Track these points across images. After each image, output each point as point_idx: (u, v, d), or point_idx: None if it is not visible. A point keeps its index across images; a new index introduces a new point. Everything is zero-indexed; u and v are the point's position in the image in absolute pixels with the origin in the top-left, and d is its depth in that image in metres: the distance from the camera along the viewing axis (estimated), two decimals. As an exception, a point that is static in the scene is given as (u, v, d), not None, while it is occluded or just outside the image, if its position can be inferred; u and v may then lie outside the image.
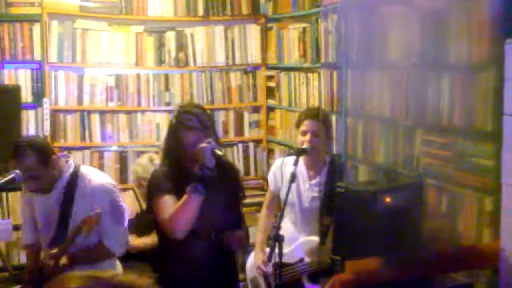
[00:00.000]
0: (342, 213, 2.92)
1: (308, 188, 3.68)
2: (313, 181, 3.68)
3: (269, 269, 3.66)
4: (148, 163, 4.38)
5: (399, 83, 3.65)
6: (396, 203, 2.83)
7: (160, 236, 3.13)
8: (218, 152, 2.91)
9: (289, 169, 3.55)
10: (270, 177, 3.92)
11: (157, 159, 4.39)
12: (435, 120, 3.35)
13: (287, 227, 3.78)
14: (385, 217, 2.82)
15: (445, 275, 3.06)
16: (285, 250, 3.67)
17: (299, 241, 3.66)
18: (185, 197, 2.85)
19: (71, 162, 3.38)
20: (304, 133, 3.62)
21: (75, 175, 3.30)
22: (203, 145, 2.87)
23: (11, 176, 2.76)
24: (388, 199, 2.80)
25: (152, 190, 3.04)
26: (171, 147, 3.05)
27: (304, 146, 3.52)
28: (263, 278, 3.74)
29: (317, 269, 3.57)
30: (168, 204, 2.91)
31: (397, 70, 3.66)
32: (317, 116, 3.65)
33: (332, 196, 3.55)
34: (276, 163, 3.95)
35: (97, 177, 3.37)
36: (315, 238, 3.60)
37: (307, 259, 3.57)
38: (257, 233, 3.91)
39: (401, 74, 3.63)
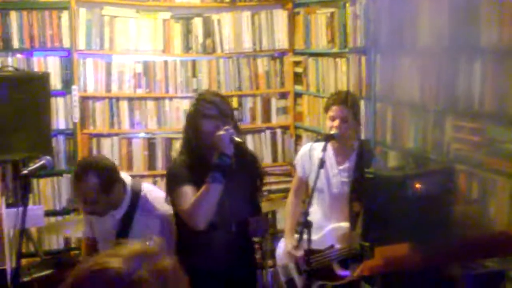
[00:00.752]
0: (371, 199, 2.91)
1: (337, 174, 3.65)
2: (342, 167, 3.65)
3: (300, 254, 3.64)
4: None
5: (429, 67, 3.60)
6: (426, 189, 2.80)
7: (179, 228, 3.08)
8: (237, 139, 2.86)
9: (317, 154, 3.52)
10: (297, 162, 3.89)
11: None
12: (466, 105, 3.29)
13: (316, 214, 3.77)
14: (414, 203, 2.79)
15: (476, 262, 3.03)
16: (315, 236, 3.65)
17: (329, 228, 3.64)
18: (204, 186, 2.81)
19: (129, 189, 3.20)
20: (332, 119, 3.59)
21: (134, 205, 3.16)
22: (221, 132, 2.83)
23: (41, 162, 2.78)
24: (417, 185, 2.77)
25: (171, 181, 2.99)
26: (189, 136, 3.02)
27: (332, 131, 3.49)
28: (294, 264, 3.74)
29: (348, 256, 3.55)
30: (188, 195, 2.86)
31: (427, 55, 3.61)
32: (345, 101, 3.61)
33: (361, 181, 3.54)
34: (304, 148, 3.92)
35: (154, 206, 3.20)
36: (345, 224, 3.57)
37: (337, 246, 3.55)
38: (286, 220, 3.90)
39: (431, 59, 3.57)
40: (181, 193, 2.89)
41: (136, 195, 3.18)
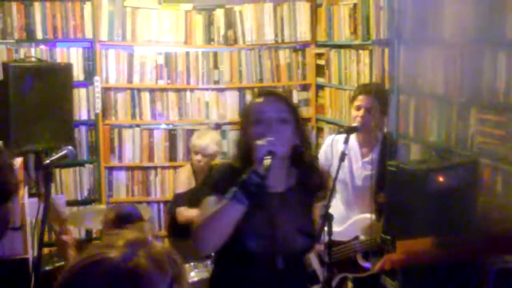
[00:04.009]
0: (394, 192, 2.88)
1: (360, 166, 3.62)
2: (366, 159, 3.62)
3: (322, 246, 3.63)
4: (194, 136, 4.50)
5: (453, 59, 3.55)
6: (449, 183, 2.77)
7: (216, 253, 2.57)
8: (267, 161, 2.17)
9: (340, 146, 3.49)
10: (320, 155, 3.86)
11: (209, 133, 4.50)
12: (490, 98, 3.25)
13: (338, 207, 3.75)
14: (437, 197, 2.76)
15: (500, 257, 2.99)
16: (338, 229, 3.63)
17: (353, 219, 3.60)
18: (221, 202, 2.24)
19: None
20: (358, 108, 3.56)
21: None
22: (259, 142, 2.21)
23: (64, 152, 2.79)
24: (441, 179, 2.74)
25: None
26: (241, 137, 2.44)
27: (356, 123, 3.46)
28: (316, 255, 3.72)
29: (372, 247, 3.52)
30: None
31: (451, 46, 3.56)
32: (374, 91, 3.59)
33: (385, 173, 3.50)
34: (327, 141, 3.90)
35: None
36: (369, 216, 3.54)
37: (362, 237, 3.52)
38: None
39: (455, 50, 3.52)
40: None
41: None
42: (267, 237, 2.30)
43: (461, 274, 2.76)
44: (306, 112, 5.60)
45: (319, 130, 5.56)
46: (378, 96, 3.61)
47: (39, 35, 5.11)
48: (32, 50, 5.07)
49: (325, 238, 3.08)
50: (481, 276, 2.90)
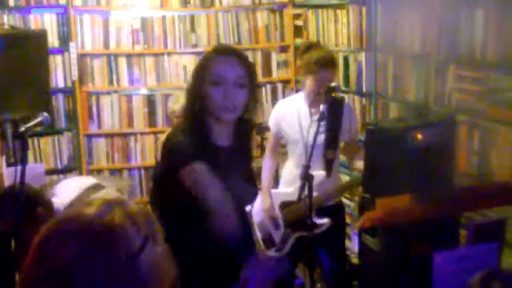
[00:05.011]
0: (372, 150, 2.89)
1: (312, 125, 3.60)
2: (316, 117, 3.61)
3: (276, 211, 3.70)
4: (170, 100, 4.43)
5: (430, 17, 3.54)
6: (428, 140, 2.79)
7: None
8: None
9: (290, 108, 3.71)
10: (271, 120, 3.85)
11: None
12: (468, 55, 3.26)
13: (288, 167, 3.80)
14: (416, 154, 2.79)
15: (477, 212, 3.03)
16: (289, 189, 3.67)
17: None
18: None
19: None
20: (319, 81, 3.53)
21: None
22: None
23: (39, 119, 2.75)
24: (419, 136, 2.76)
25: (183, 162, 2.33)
26: (193, 94, 2.44)
27: (333, 84, 3.44)
28: (270, 219, 3.76)
29: (323, 203, 3.59)
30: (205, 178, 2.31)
31: (428, 4, 3.54)
32: (333, 64, 3.58)
33: (335, 129, 3.55)
34: (277, 105, 3.91)
35: None
36: (321, 172, 3.57)
37: (314, 194, 3.54)
38: (262, 177, 3.89)
39: (432, 8, 3.51)
40: (199, 177, 2.33)
41: None
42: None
43: (440, 230, 2.80)
44: (286, 73, 5.58)
45: (299, 91, 5.53)
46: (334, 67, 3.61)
47: (12, 2, 4.99)
48: (5, 17, 4.96)
49: (303, 198, 3.10)
50: (458, 231, 2.95)
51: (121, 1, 5.22)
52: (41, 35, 4.75)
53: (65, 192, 2.88)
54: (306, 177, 3.03)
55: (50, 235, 1.17)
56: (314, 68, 3.53)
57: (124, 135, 5.35)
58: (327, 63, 3.54)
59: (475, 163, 3.15)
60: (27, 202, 2.65)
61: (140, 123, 5.35)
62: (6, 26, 4.80)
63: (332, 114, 3.54)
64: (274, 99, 5.53)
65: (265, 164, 3.92)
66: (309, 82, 3.61)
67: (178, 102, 4.33)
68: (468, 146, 3.15)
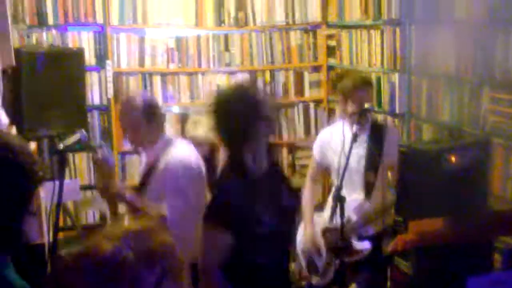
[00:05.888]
0: (406, 172, 2.88)
1: (353, 149, 3.59)
2: (358, 140, 3.60)
3: (319, 238, 3.66)
4: (191, 127, 4.34)
5: (465, 39, 3.53)
6: (462, 163, 2.76)
7: None
8: None
9: (336, 135, 3.61)
10: (315, 147, 3.85)
11: (203, 122, 4.33)
12: (502, 77, 3.23)
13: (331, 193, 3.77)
14: (450, 177, 2.76)
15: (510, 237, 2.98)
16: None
17: (346, 201, 3.58)
18: None
19: (165, 136, 3.27)
20: (360, 103, 3.52)
21: (164, 149, 3.17)
22: None
23: (77, 136, 2.82)
24: (453, 159, 2.73)
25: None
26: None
27: (366, 105, 3.44)
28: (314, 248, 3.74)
29: (364, 226, 3.54)
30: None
31: (463, 26, 3.54)
32: (370, 84, 3.58)
33: (376, 153, 3.50)
34: (321, 133, 3.90)
35: (177, 153, 3.16)
36: (360, 196, 3.55)
37: (354, 217, 3.52)
38: (303, 207, 3.86)
39: (467, 30, 3.50)
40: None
41: (169, 144, 3.21)
42: None
43: (473, 254, 2.77)
44: (318, 93, 5.59)
45: (331, 111, 5.55)
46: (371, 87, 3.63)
47: (51, 20, 5.10)
48: (44, 35, 5.08)
49: (335, 219, 3.09)
50: (493, 256, 2.91)
51: (157, 20, 5.31)
52: (79, 53, 4.86)
53: None
54: (338, 199, 3.03)
55: (68, 267, 1.25)
56: (351, 91, 3.52)
57: (157, 152, 5.40)
58: (363, 84, 3.54)
59: (510, 187, 3.11)
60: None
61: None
62: (45, 44, 4.91)
63: (373, 137, 3.56)
64: (306, 118, 5.55)
65: (306, 193, 3.90)
66: (349, 107, 3.59)
67: (198, 126, 4.31)
68: (503, 169, 3.11)
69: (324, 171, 3.90)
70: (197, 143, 4.21)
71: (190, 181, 3.11)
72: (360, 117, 3.37)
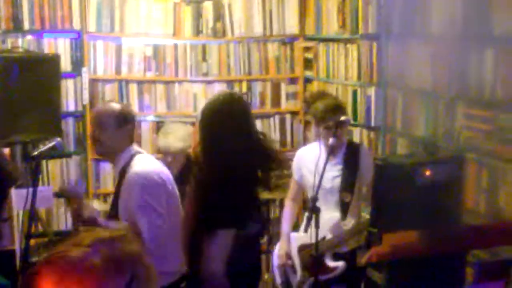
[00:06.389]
0: (381, 185, 2.90)
1: (328, 169, 3.62)
2: (333, 161, 3.64)
3: (289, 262, 3.68)
4: (159, 135, 4.29)
5: (441, 54, 3.58)
6: (436, 177, 2.80)
7: None
8: None
9: (309, 155, 3.69)
10: (293, 166, 3.88)
11: (176, 131, 4.28)
12: (477, 93, 3.28)
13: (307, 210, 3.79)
14: (424, 191, 2.79)
15: (484, 250, 3.02)
16: (303, 232, 3.65)
17: (322, 219, 3.59)
18: None
19: (133, 147, 3.20)
20: (330, 128, 3.53)
21: (129, 162, 3.10)
22: None
23: (52, 144, 2.79)
24: (427, 173, 2.77)
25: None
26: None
27: (343, 118, 3.46)
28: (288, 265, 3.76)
29: (338, 246, 3.56)
30: None
31: (439, 41, 3.59)
32: (343, 110, 3.59)
33: (351, 173, 3.59)
34: (298, 152, 3.94)
35: (137, 167, 3.08)
36: (336, 215, 3.58)
37: (329, 236, 3.55)
38: (282, 223, 3.90)
39: (443, 46, 3.55)
40: None
41: (133, 157, 3.15)
42: None
43: (446, 267, 2.80)
44: (294, 105, 5.62)
45: (307, 123, 5.57)
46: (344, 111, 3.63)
47: (26, 25, 5.06)
48: (20, 40, 5.03)
49: (310, 230, 3.11)
50: (465, 269, 2.94)
51: (134, 29, 5.29)
52: (55, 59, 4.82)
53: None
54: (313, 209, 3.05)
55: (40, 270, 1.25)
56: (324, 116, 3.54)
57: (132, 161, 5.37)
58: (334, 109, 3.55)
59: (483, 201, 3.16)
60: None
61: (148, 149, 5.37)
62: (20, 49, 4.86)
63: (349, 157, 3.60)
64: (282, 130, 5.56)
65: (286, 210, 3.93)
66: (321, 130, 3.61)
67: (172, 136, 4.22)
68: (477, 184, 3.16)
69: (303, 190, 3.93)
70: (168, 153, 4.20)
71: (154, 195, 3.02)
72: (336, 129, 3.40)
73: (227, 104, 2.86)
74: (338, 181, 3.62)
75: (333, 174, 3.63)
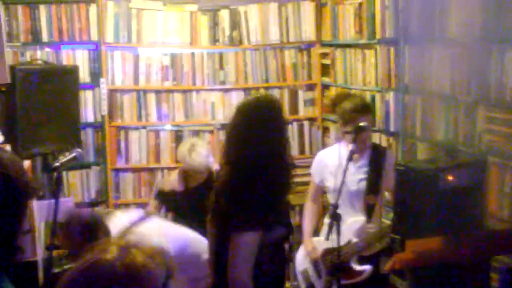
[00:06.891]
0: (402, 191, 2.88)
1: (353, 172, 3.61)
2: (358, 164, 3.62)
3: (319, 253, 3.64)
4: (187, 153, 4.08)
5: (460, 58, 3.55)
6: (458, 182, 2.77)
7: None
8: None
9: (331, 158, 3.69)
10: (313, 169, 3.88)
11: (202, 146, 4.16)
12: (498, 96, 3.25)
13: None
14: (446, 196, 2.76)
15: (508, 256, 2.98)
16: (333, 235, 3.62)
17: (346, 223, 3.57)
18: None
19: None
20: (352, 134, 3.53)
21: None
22: None
23: (73, 155, 2.81)
24: (450, 178, 2.74)
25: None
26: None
27: (362, 123, 3.45)
28: (313, 267, 3.72)
29: (365, 250, 3.52)
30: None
31: (458, 45, 3.56)
32: (370, 109, 3.67)
33: (377, 176, 3.56)
34: (318, 155, 3.92)
35: None
36: (361, 218, 3.56)
37: (354, 240, 3.52)
38: (303, 224, 3.89)
39: (462, 49, 3.52)
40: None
41: None
42: None
43: (469, 272, 2.76)
44: (312, 112, 5.60)
45: (325, 130, 5.55)
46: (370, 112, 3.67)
47: (45, 37, 5.11)
48: (38, 53, 5.07)
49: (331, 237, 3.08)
50: (490, 275, 2.90)
51: (151, 38, 5.32)
52: (73, 71, 4.87)
53: (116, 224, 3.02)
54: (334, 216, 3.03)
55: (71, 284, 1.22)
56: (351, 116, 3.52)
57: (151, 170, 5.39)
58: (363, 109, 3.56)
59: (507, 205, 3.12)
60: (91, 225, 2.77)
61: (167, 159, 5.39)
62: (39, 61, 4.90)
63: (375, 160, 3.58)
64: (300, 136, 5.55)
65: (306, 211, 3.92)
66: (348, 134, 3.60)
67: (194, 151, 4.10)
68: (499, 188, 3.12)
69: (323, 192, 3.92)
70: (196, 171, 4.15)
71: None
72: (356, 135, 3.38)
73: (267, 103, 2.79)
74: (363, 184, 3.61)
75: (359, 177, 3.61)
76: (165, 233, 3.22)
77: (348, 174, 3.47)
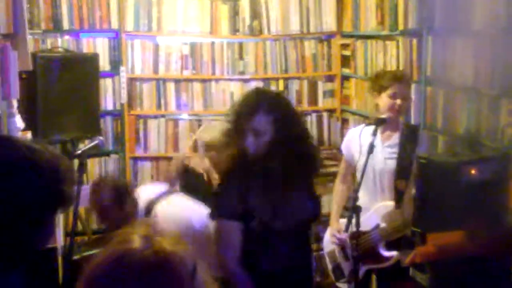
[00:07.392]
0: (424, 184, 2.85)
1: (381, 150, 3.55)
2: (387, 143, 3.57)
3: (344, 236, 3.60)
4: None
5: (483, 50, 3.50)
6: (481, 176, 2.74)
7: None
8: None
9: (366, 138, 3.50)
10: (344, 146, 3.83)
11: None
12: (522, 89, 3.20)
13: (362, 196, 3.71)
14: (469, 190, 2.73)
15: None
16: (361, 218, 3.60)
17: (374, 207, 3.54)
18: None
19: (141, 210, 3.28)
20: (393, 96, 3.48)
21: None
22: None
23: (95, 142, 2.81)
24: (473, 171, 2.71)
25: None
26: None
27: (389, 112, 3.41)
28: (340, 249, 3.69)
29: (392, 235, 3.47)
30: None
31: (482, 36, 3.51)
32: (407, 79, 3.59)
33: (406, 159, 3.46)
34: (351, 132, 3.86)
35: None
36: (390, 203, 3.50)
37: (382, 225, 3.48)
38: (332, 204, 3.86)
39: (486, 41, 3.48)
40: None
41: (148, 214, 3.22)
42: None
43: (490, 267, 2.74)
44: (331, 103, 5.57)
45: (344, 121, 5.52)
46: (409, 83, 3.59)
47: (66, 25, 5.12)
48: (59, 40, 5.09)
49: (351, 229, 3.07)
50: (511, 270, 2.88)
51: (172, 27, 5.31)
52: (93, 59, 4.87)
53: (142, 195, 3.15)
54: (353, 208, 3.01)
55: (100, 277, 1.17)
56: (387, 83, 3.48)
57: (169, 159, 5.39)
58: (399, 77, 3.51)
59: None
60: (120, 189, 2.91)
61: (185, 148, 5.39)
62: (60, 49, 4.92)
63: (405, 142, 3.49)
64: (319, 127, 5.52)
65: (336, 191, 3.88)
66: (383, 101, 3.54)
67: (210, 133, 4.16)
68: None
69: (352, 170, 3.86)
70: (210, 148, 4.16)
71: None
72: (376, 127, 3.34)
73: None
74: (391, 163, 3.52)
75: (385, 155, 3.53)
76: (189, 208, 3.28)
77: (375, 151, 3.34)
